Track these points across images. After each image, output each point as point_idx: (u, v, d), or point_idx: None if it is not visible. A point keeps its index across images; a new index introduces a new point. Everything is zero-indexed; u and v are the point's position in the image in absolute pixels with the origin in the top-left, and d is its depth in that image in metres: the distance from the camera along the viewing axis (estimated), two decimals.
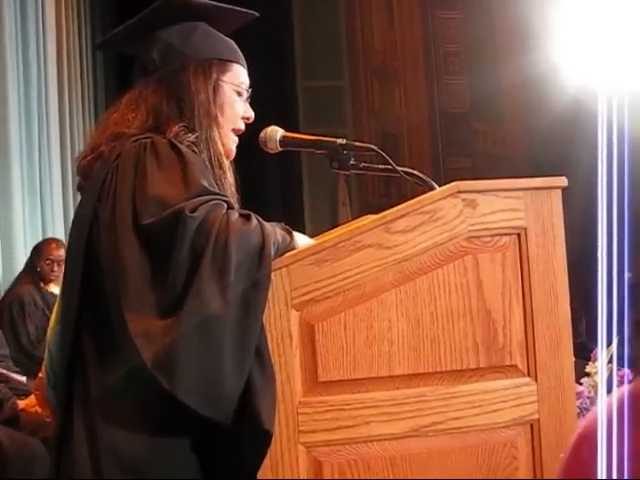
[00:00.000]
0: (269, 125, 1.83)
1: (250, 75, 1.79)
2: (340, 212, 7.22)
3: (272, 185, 7.28)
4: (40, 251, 4.47)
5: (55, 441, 1.64)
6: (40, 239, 4.73)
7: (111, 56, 6.55)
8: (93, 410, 1.53)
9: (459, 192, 1.55)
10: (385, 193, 7.27)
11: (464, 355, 1.56)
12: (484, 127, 7.01)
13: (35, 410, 3.23)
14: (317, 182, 7.30)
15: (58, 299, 1.71)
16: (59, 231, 5.33)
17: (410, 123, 7.32)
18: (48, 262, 4.42)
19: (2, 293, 4.51)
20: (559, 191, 1.62)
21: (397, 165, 1.73)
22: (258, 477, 1.49)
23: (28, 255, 4.55)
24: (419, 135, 7.29)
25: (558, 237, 1.61)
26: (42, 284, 4.44)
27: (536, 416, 1.59)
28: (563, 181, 1.61)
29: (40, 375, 1.84)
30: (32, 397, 3.37)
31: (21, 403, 3.51)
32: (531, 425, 1.59)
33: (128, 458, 1.50)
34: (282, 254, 1.53)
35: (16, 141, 4.50)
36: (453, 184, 1.55)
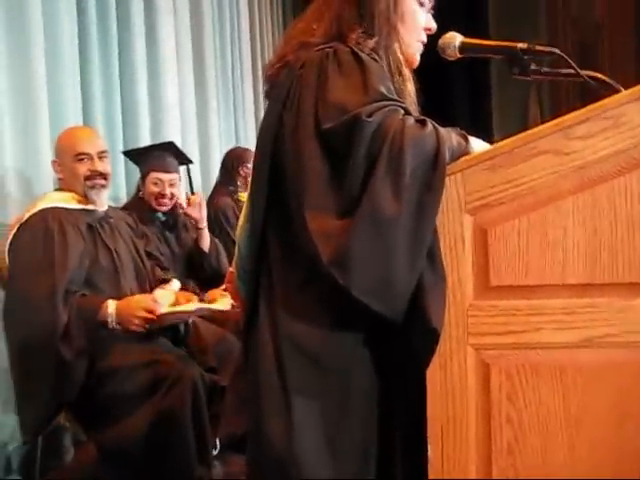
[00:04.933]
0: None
1: None
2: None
3: (460, 97, 7.14)
4: (235, 159, 4.68)
5: (244, 329, 1.79)
6: (233, 147, 4.97)
7: None
8: (276, 302, 1.66)
9: None
10: (581, 107, 6.89)
11: None
12: None
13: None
14: (506, 95, 7.07)
15: (246, 199, 1.84)
16: (251, 139, 5.57)
17: (612, 31, 6.84)
18: (242, 170, 4.61)
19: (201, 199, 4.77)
20: None
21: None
22: (427, 374, 1.55)
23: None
24: (622, 44, 6.79)
25: None
26: (236, 194, 4.65)
27: None
28: None
29: (231, 269, 2.00)
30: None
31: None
32: None
33: (306, 346, 1.61)
34: (457, 158, 1.54)
35: (211, 56, 4.72)
36: (639, 87, 1.48)
